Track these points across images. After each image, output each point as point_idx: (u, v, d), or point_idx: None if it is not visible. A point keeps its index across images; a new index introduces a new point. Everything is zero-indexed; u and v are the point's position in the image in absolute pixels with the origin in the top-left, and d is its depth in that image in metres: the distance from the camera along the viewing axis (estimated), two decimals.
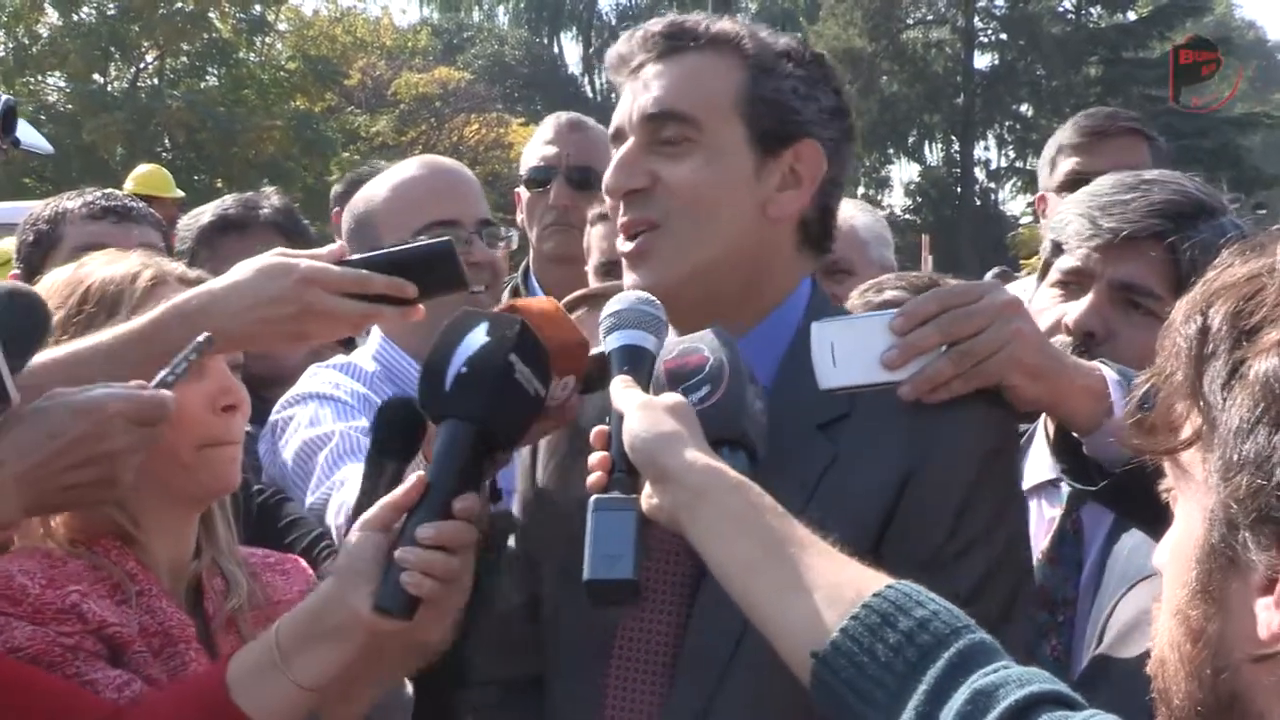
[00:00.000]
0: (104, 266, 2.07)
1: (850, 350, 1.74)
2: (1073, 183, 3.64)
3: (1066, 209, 2.32)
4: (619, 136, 1.90)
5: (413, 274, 1.94)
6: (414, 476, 1.69)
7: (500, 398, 1.69)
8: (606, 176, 1.88)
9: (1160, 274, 2.18)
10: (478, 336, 1.70)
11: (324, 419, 2.75)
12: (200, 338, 1.84)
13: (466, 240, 2.81)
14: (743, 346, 1.74)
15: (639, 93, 1.86)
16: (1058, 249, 2.31)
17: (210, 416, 1.95)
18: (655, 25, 1.89)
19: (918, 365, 1.73)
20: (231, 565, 2.09)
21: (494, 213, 3.04)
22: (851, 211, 3.53)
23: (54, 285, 2.07)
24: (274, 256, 1.96)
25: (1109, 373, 1.83)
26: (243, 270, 1.94)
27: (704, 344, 1.63)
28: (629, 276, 1.86)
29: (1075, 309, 2.23)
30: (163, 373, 1.83)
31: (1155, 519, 1.91)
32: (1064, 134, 3.80)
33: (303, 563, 2.26)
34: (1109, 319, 2.20)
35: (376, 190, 2.98)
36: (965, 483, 1.76)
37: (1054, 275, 2.31)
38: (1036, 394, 1.78)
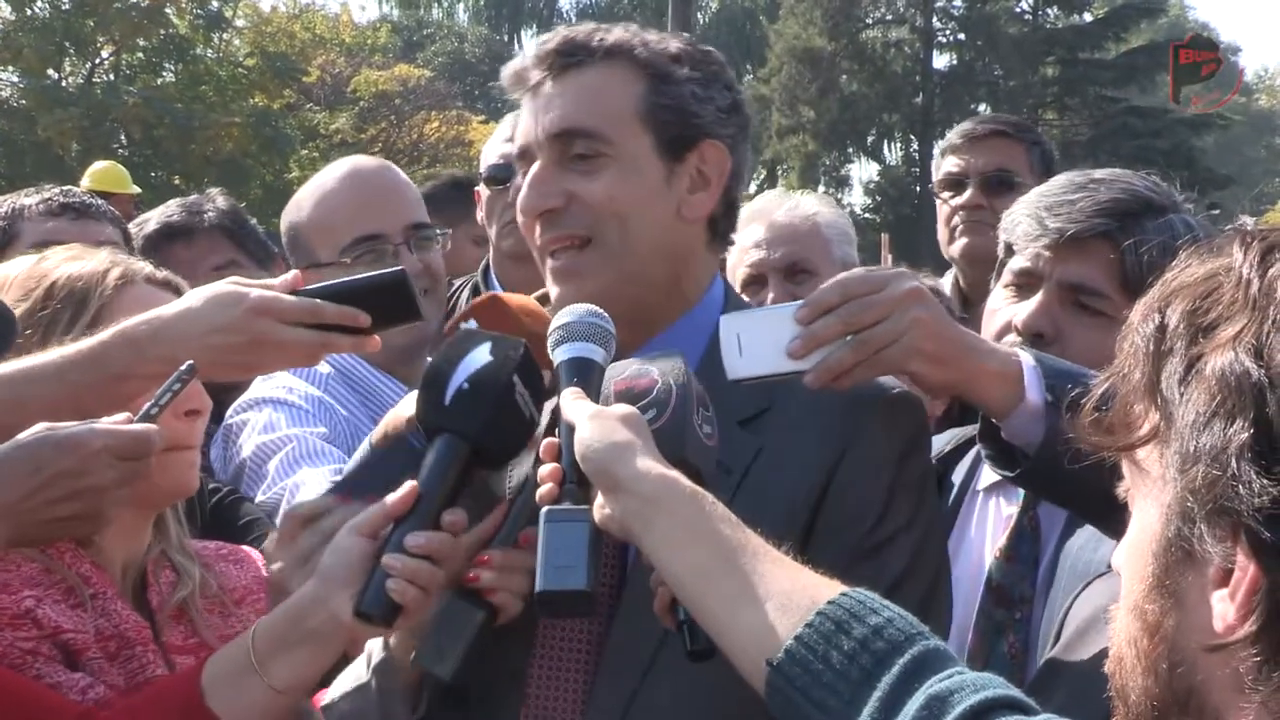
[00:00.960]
0: (69, 262, 2.04)
1: (756, 341, 1.78)
2: (952, 182, 3.84)
3: (1018, 209, 2.34)
4: (526, 156, 1.92)
5: (366, 303, 1.95)
6: (406, 486, 1.70)
7: (498, 417, 1.71)
8: (521, 197, 1.90)
9: (1108, 273, 2.19)
10: (481, 355, 1.73)
11: (279, 424, 2.73)
12: (182, 367, 1.83)
13: (393, 253, 2.78)
14: (660, 344, 1.76)
15: (542, 111, 1.89)
16: (1009, 250, 2.33)
17: (173, 421, 1.94)
18: (550, 43, 1.91)
19: (821, 354, 1.76)
20: (181, 558, 2.08)
21: None
22: (815, 207, 3.52)
23: (11, 278, 2.04)
24: (226, 285, 1.95)
25: (1026, 358, 1.86)
26: (194, 298, 1.93)
27: (656, 367, 1.64)
28: (555, 290, 1.88)
29: (1024, 310, 2.25)
30: (146, 405, 1.82)
31: (1075, 500, 1.96)
32: (948, 137, 4.00)
33: (254, 553, 2.25)
34: (1057, 319, 2.22)
35: (304, 202, 2.95)
36: (890, 469, 1.83)
37: (1005, 276, 2.33)
38: (942, 379, 1.82)
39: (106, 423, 1.79)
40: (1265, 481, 0.95)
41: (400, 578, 1.64)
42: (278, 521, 2.42)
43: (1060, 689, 1.71)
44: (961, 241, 3.79)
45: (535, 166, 1.89)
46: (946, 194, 3.85)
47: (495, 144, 3.82)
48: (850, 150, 47.75)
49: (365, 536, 1.70)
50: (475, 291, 3.77)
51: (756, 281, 3.36)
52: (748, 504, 1.71)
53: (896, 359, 1.77)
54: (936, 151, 4.04)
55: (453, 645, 1.68)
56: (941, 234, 3.91)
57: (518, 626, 1.78)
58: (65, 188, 3.36)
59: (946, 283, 4.03)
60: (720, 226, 1.97)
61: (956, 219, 3.79)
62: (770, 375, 1.79)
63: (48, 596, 1.86)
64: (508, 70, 1.95)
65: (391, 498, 1.70)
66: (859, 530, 1.80)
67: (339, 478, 2.52)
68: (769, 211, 3.44)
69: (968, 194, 3.76)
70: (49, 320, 1.97)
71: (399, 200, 2.93)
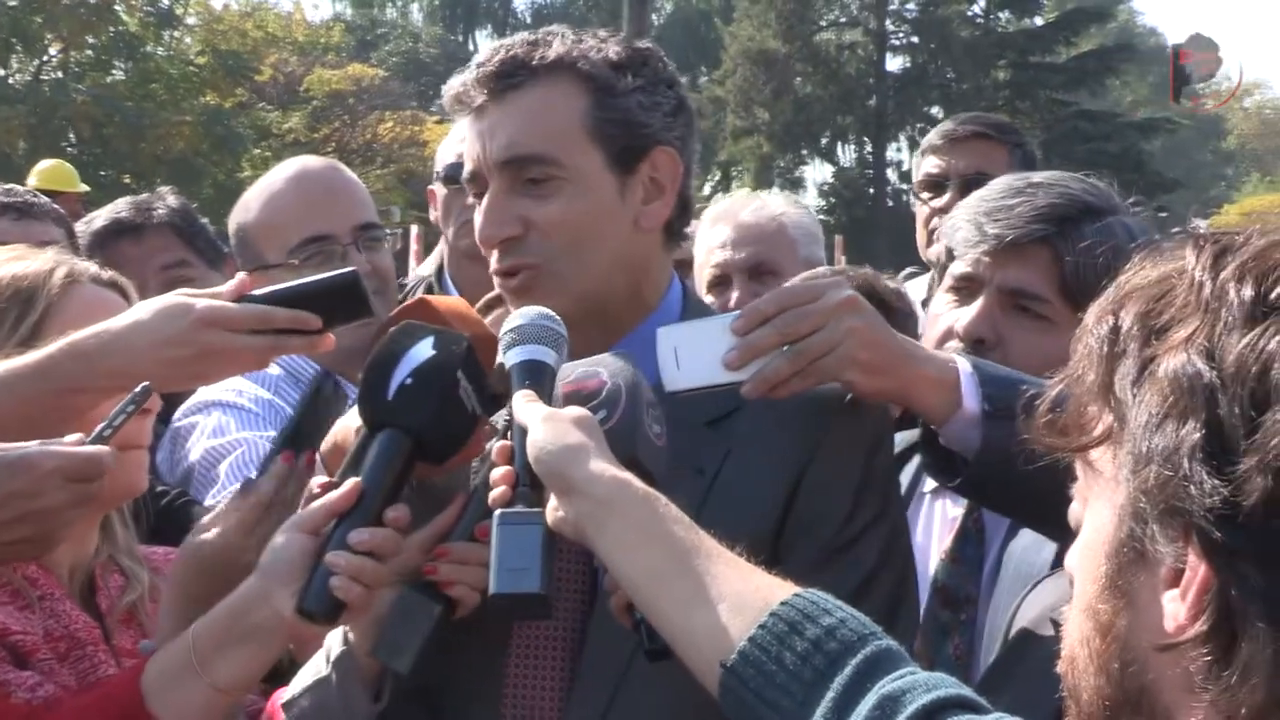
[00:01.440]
0: (13, 262, 2.02)
1: (693, 353, 1.79)
2: (932, 184, 3.80)
3: (958, 214, 2.34)
4: (477, 180, 1.90)
5: (317, 305, 1.94)
6: (349, 483, 1.69)
7: (442, 412, 1.69)
8: (479, 227, 1.88)
9: (1047, 278, 2.20)
10: (423, 349, 1.70)
11: (228, 428, 2.71)
12: (138, 389, 1.82)
13: (342, 255, 2.76)
14: (623, 348, 1.77)
15: (489, 137, 1.86)
16: (950, 254, 2.34)
17: (129, 423, 1.91)
18: (489, 64, 1.87)
19: (758, 365, 1.77)
20: (129, 561, 2.06)
21: (408, 210, 2.98)
22: (782, 207, 3.50)
23: None
24: (174, 296, 1.93)
25: (964, 364, 1.87)
26: (143, 310, 1.91)
27: (603, 368, 1.64)
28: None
29: (965, 316, 2.25)
30: (100, 426, 1.81)
31: (1014, 506, 1.98)
32: (929, 136, 3.95)
33: None
34: (998, 324, 2.23)
35: (251, 202, 2.91)
36: (858, 466, 1.85)
37: (947, 281, 2.34)
38: (878, 388, 1.82)
39: (58, 444, 1.77)
40: (1216, 481, 0.95)
41: (344, 575, 1.63)
42: (230, 504, 2.36)
43: (1008, 690, 1.73)
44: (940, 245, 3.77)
45: (489, 194, 1.87)
46: (926, 195, 3.81)
47: (451, 142, 3.78)
48: (804, 152, 47.97)
49: (306, 533, 1.69)
50: (429, 292, 3.75)
51: (722, 282, 3.34)
52: (719, 505, 1.75)
53: (832, 368, 1.78)
54: (917, 151, 3.99)
55: (410, 639, 1.67)
56: (920, 236, 3.87)
57: (491, 626, 1.76)
58: (7, 186, 3.31)
59: (921, 284, 4.01)
60: (675, 227, 1.96)
61: (935, 221, 3.72)
62: (707, 387, 1.79)
63: None
64: (449, 93, 1.91)
65: (333, 495, 1.69)
66: (830, 527, 1.81)
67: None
68: (734, 212, 3.42)
69: (947, 196, 3.69)
70: None
71: (347, 200, 2.90)
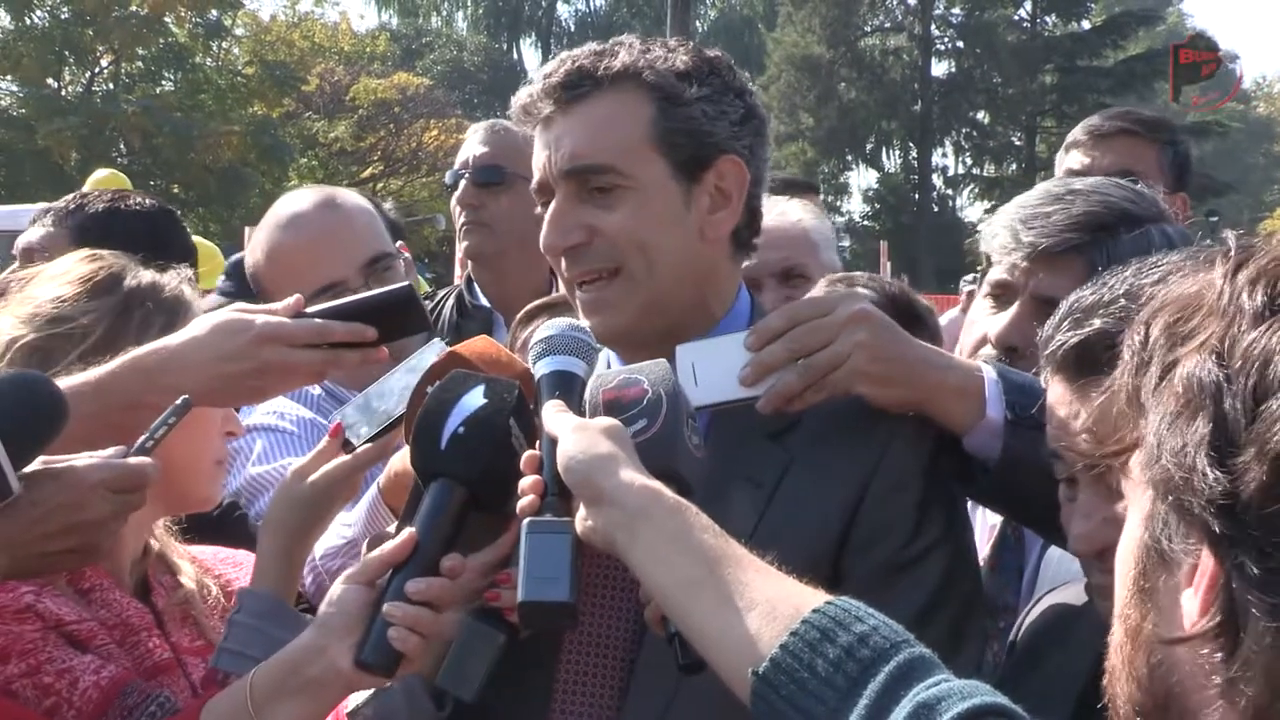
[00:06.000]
0: (157, 272, 2.11)
1: (710, 370, 1.80)
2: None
3: (997, 220, 2.33)
4: (544, 190, 1.90)
5: (373, 319, 1.96)
6: (404, 533, 1.68)
7: (495, 461, 1.68)
8: (544, 234, 1.89)
9: (1079, 286, 2.19)
10: (475, 398, 1.69)
11: (272, 454, 2.72)
12: (178, 401, 1.84)
13: (354, 293, 2.76)
14: None
15: (554, 147, 1.86)
16: (988, 261, 2.33)
17: (215, 439, 2.04)
18: (555, 75, 1.87)
19: (772, 380, 1.78)
20: (177, 559, 2.11)
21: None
22: (799, 213, 3.51)
23: (76, 274, 2.07)
24: (231, 313, 1.96)
25: (989, 373, 1.86)
26: (199, 326, 1.94)
27: (644, 376, 1.63)
28: (589, 321, 1.87)
29: (998, 323, 2.25)
30: (142, 438, 1.83)
31: (1029, 515, 1.95)
32: (1075, 131, 3.75)
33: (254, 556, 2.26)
34: (1028, 333, 2.20)
35: (257, 251, 2.89)
36: (920, 481, 1.82)
37: (984, 287, 2.33)
38: (892, 399, 1.82)
39: (101, 456, 1.79)
40: (1219, 473, 0.95)
41: (402, 625, 1.63)
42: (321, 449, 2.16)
43: (1020, 701, 1.72)
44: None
45: (554, 203, 1.88)
46: None
47: (461, 149, 3.81)
48: (849, 157, 47.86)
49: (363, 584, 1.68)
50: (459, 300, 3.77)
51: (752, 285, 3.33)
52: (779, 517, 1.74)
53: (842, 382, 1.78)
54: (1062, 148, 3.74)
55: (475, 669, 1.65)
56: None
57: (540, 639, 1.76)
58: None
59: None
60: (743, 236, 1.95)
61: None
62: (725, 403, 1.80)
63: (46, 592, 1.89)
64: (516, 104, 1.92)
65: (388, 546, 1.68)
66: (894, 544, 1.79)
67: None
68: None
69: None
70: (140, 325, 2.01)
71: (350, 241, 2.86)
